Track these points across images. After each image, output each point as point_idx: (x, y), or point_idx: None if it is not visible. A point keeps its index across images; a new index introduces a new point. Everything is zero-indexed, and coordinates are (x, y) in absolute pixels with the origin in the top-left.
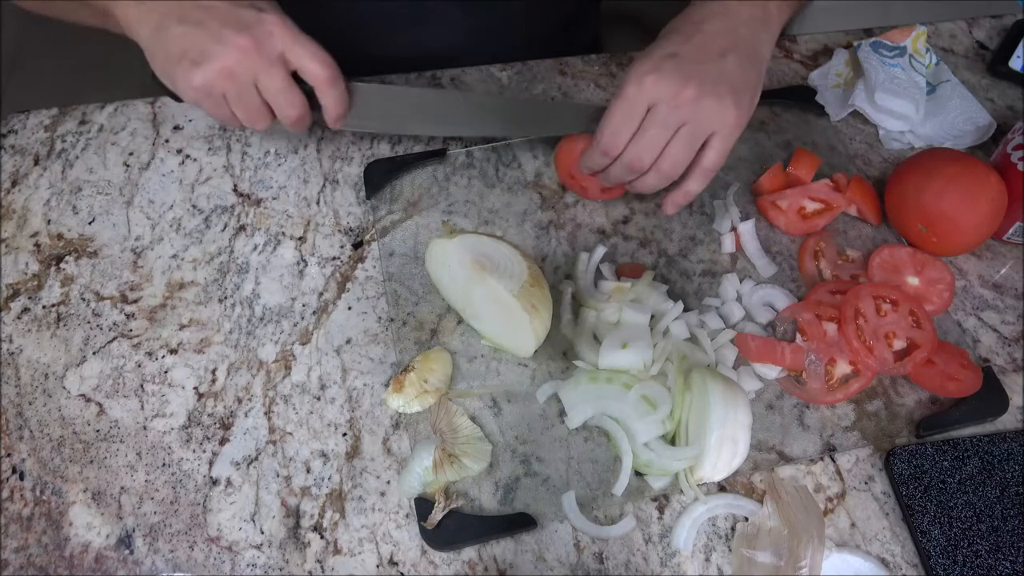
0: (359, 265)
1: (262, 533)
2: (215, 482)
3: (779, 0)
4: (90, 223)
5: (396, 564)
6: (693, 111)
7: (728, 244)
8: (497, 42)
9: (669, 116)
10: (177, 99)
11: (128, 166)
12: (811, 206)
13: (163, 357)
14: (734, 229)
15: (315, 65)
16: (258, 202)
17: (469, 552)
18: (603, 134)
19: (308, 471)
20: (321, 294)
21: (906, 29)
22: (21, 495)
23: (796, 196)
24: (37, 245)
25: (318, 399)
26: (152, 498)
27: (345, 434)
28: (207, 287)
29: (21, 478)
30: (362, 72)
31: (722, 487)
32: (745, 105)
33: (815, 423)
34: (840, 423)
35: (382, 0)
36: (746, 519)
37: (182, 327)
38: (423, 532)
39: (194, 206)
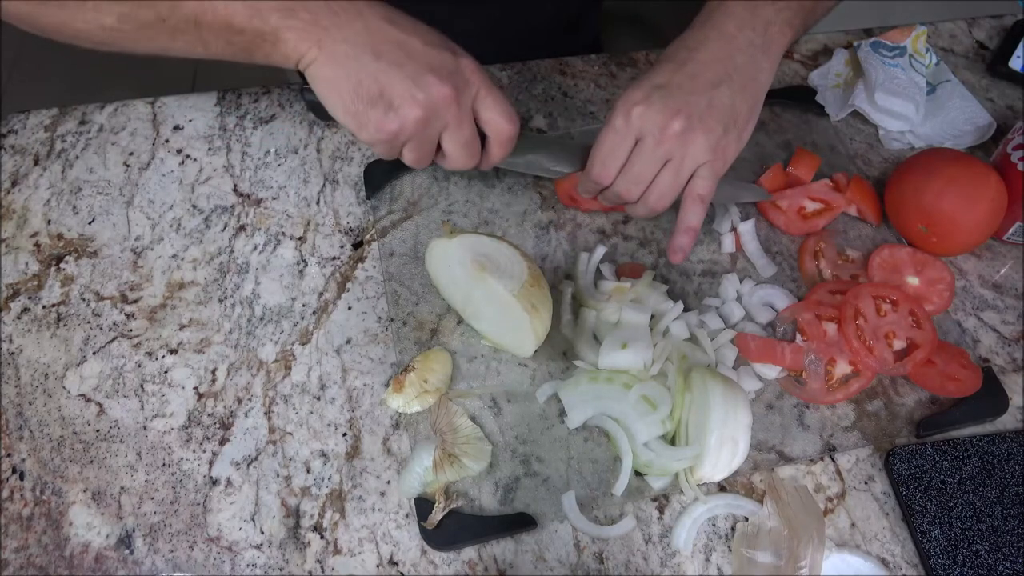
0: (359, 265)
1: (262, 533)
2: (215, 482)
3: (782, 24)
4: (90, 223)
5: (396, 564)
6: (679, 145)
7: (728, 244)
8: (496, 42)
9: (656, 150)
10: (324, 118)
11: (128, 166)
12: (811, 206)
13: (163, 357)
14: (734, 229)
15: (504, 122)
16: (258, 202)
17: (469, 552)
18: (593, 164)
19: (308, 471)
20: (321, 294)
21: (906, 29)
22: (21, 495)
23: (796, 196)
24: (37, 245)
25: (318, 399)
26: (152, 498)
27: (345, 434)
28: (207, 287)
29: (21, 478)
30: None
31: (722, 487)
32: (734, 137)
33: (815, 423)
34: (840, 423)
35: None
36: (746, 519)
37: (182, 327)
38: (423, 532)
39: (194, 206)
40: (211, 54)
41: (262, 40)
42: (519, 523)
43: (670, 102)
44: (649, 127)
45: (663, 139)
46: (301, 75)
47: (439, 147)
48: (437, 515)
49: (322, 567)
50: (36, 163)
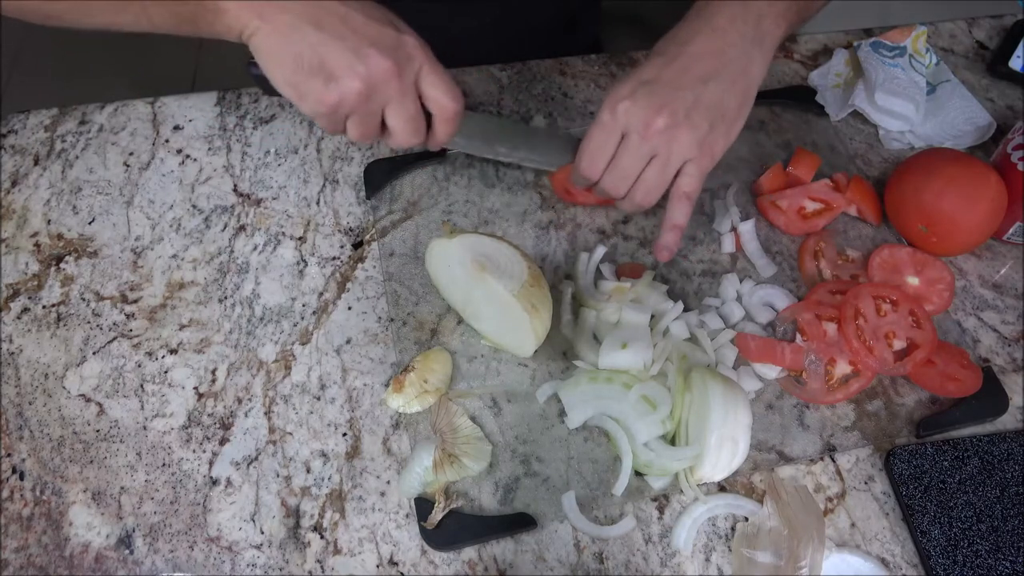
0: (359, 265)
1: (262, 533)
2: (215, 482)
3: (775, 16)
4: (90, 223)
5: (396, 564)
6: (664, 141)
7: (728, 244)
8: (496, 42)
9: (641, 146)
10: (270, 93)
11: (128, 166)
12: (811, 206)
13: (163, 357)
14: (734, 229)
15: (447, 99)
16: (258, 202)
17: (469, 552)
18: (581, 159)
19: (308, 471)
20: (321, 294)
21: (906, 29)
22: (21, 495)
23: (796, 196)
24: (37, 245)
25: (318, 399)
26: (152, 498)
27: (345, 434)
28: (207, 287)
29: (21, 478)
30: None
31: (722, 487)
32: (722, 133)
33: (815, 423)
34: (840, 423)
35: None
36: (746, 519)
37: (182, 327)
38: (423, 532)
39: (194, 206)
40: (157, 27)
41: (204, 10)
42: (519, 523)
43: (655, 98)
44: (634, 123)
45: (647, 135)
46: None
47: (385, 125)
48: (437, 515)
49: (322, 567)
50: (36, 163)
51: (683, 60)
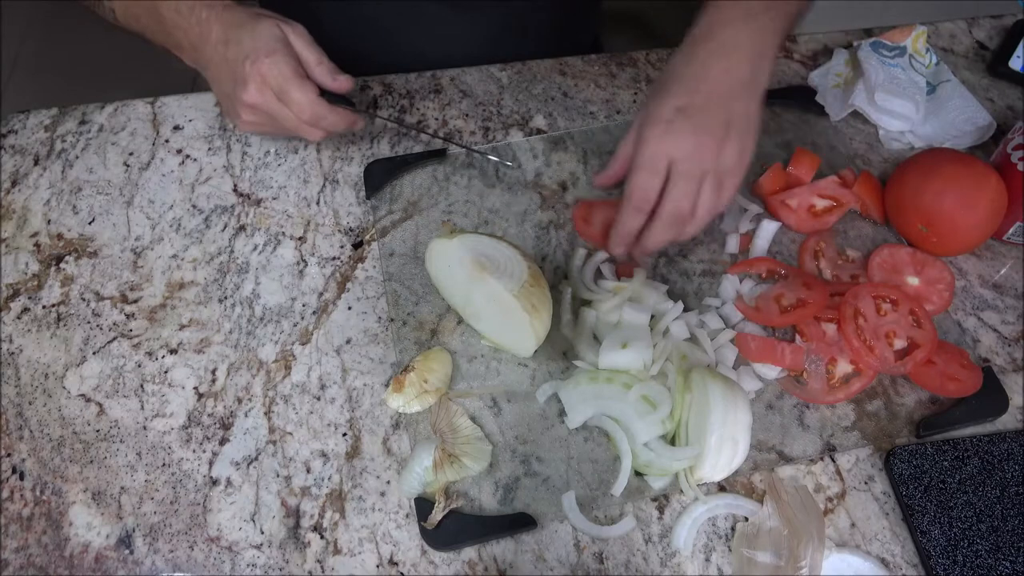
0: (359, 265)
1: (262, 533)
2: (215, 482)
3: (774, 28)
4: (90, 223)
5: (396, 564)
6: (713, 159)
7: (732, 244)
8: (496, 42)
9: (692, 168)
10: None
11: (128, 166)
12: (820, 203)
13: (163, 357)
14: (748, 233)
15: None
16: (258, 202)
17: (469, 552)
18: (633, 193)
19: (308, 471)
20: (321, 294)
21: (906, 29)
22: (21, 495)
23: (806, 194)
24: (37, 245)
25: (318, 399)
26: (152, 498)
27: (345, 434)
28: (207, 287)
29: (21, 478)
30: (359, 73)
31: (722, 487)
32: (751, 142)
33: (815, 423)
34: (840, 423)
35: (375, 2)
36: (746, 519)
37: (182, 327)
38: (423, 532)
39: (194, 206)
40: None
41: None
42: (519, 523)
43: (694, 124)
44: (680, 151)
45: (698, 157)
46: None
47: None
48: (437, 515)
49: (322, 567)
50: (36, 163)
51: (707, 85)
